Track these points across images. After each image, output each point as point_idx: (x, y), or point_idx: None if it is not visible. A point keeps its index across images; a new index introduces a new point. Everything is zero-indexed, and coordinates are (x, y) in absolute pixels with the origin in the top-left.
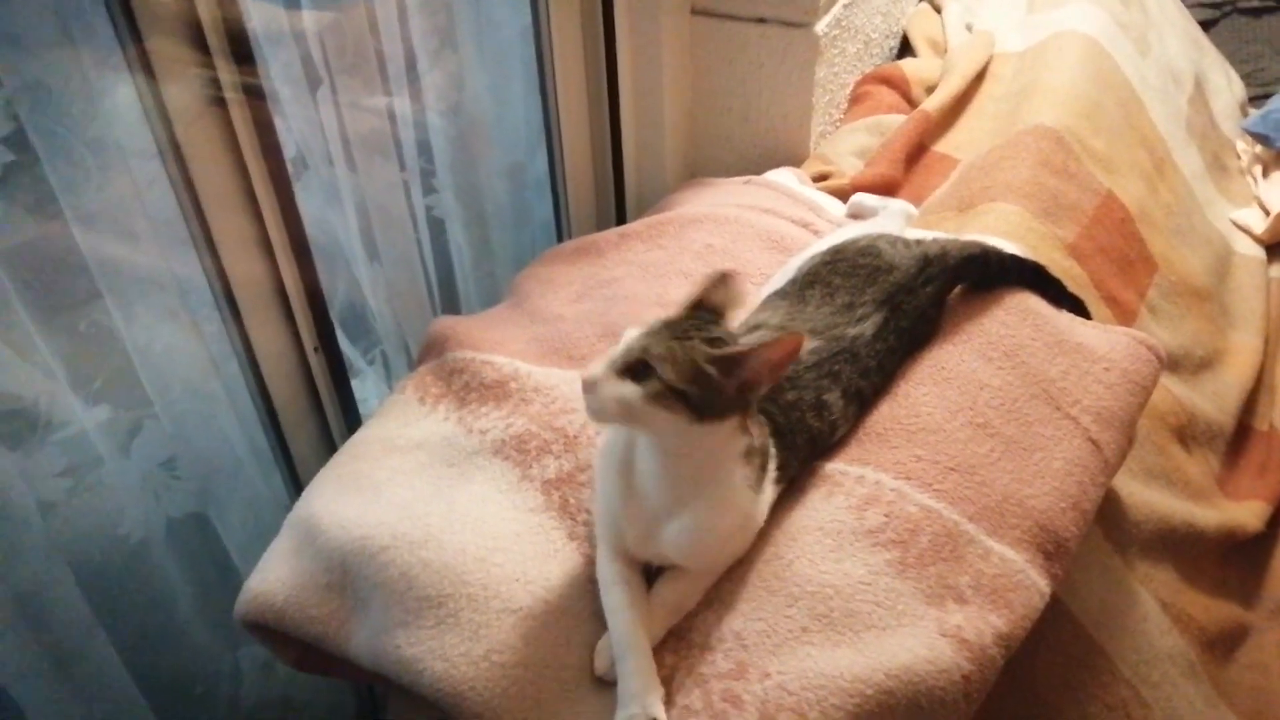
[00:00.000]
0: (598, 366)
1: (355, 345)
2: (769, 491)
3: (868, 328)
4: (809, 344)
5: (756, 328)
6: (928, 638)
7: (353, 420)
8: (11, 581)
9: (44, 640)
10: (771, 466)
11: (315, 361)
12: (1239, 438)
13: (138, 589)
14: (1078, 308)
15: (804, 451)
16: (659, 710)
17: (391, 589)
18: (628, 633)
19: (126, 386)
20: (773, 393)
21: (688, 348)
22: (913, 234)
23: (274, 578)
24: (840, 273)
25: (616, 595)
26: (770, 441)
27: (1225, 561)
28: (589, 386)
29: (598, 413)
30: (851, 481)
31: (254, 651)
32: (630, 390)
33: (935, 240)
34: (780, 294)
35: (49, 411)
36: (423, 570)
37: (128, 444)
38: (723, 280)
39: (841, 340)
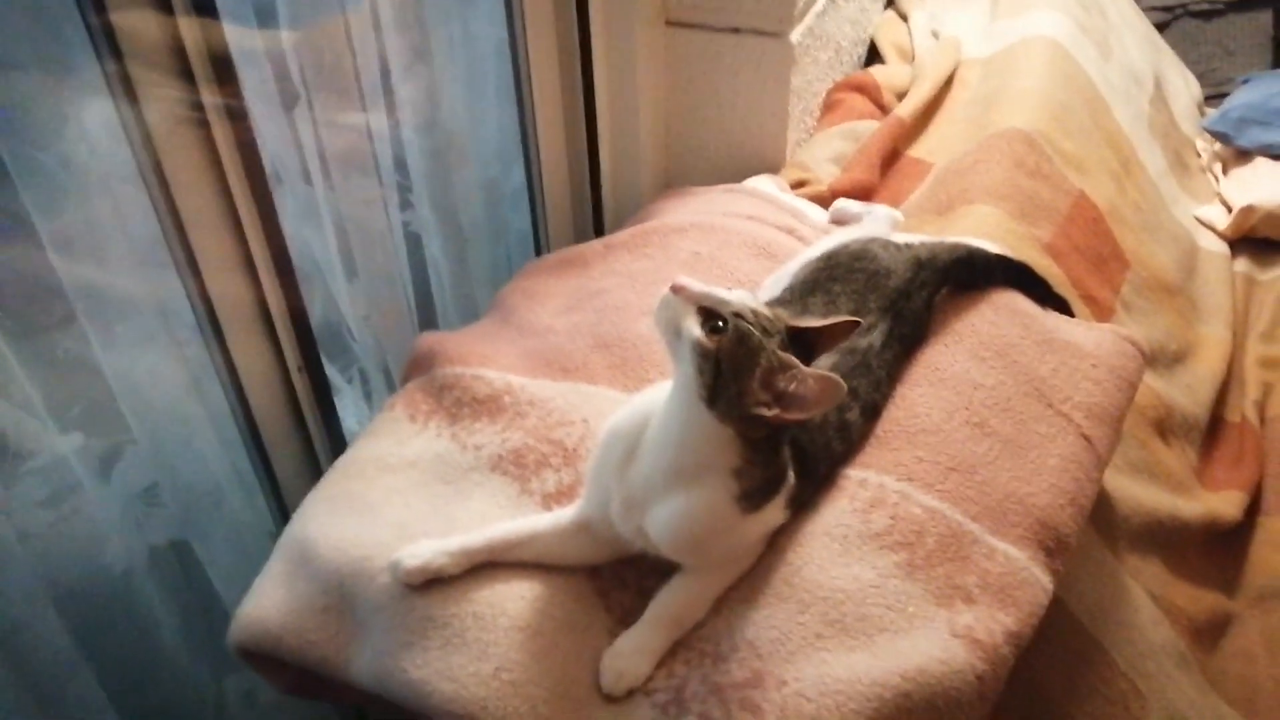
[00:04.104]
0: (698, 287)
1: (333, 363)
2: (773, 516)
3: (876, 338)
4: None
5: None
6: (940, 639)
7: (337, 441)
8: None
9: (26, 680)
10: (783, 496)
11: (299, 382)
12: (1213, 430)
13: (122, 621)
14: (1062, 307)
15: (822, 478)
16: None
17: (393, 611)
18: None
19: (105, 412)
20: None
21: (766, 342)
22: (899, 238)
23: (269, 603)
24: (838, 279)
25: (535, 518)
26: (789, 471)
27: (1207, 552)
28: (678, 290)
29: (661, 318)
30: (854, 485)
31: (238, 680)
32: (695, 328)
33: (923, 244)
34: (779, 303)
35: (24, 440)
36: (425, 590)
37: (108, 471)
38: (846, 329)
39: (855, 354)
